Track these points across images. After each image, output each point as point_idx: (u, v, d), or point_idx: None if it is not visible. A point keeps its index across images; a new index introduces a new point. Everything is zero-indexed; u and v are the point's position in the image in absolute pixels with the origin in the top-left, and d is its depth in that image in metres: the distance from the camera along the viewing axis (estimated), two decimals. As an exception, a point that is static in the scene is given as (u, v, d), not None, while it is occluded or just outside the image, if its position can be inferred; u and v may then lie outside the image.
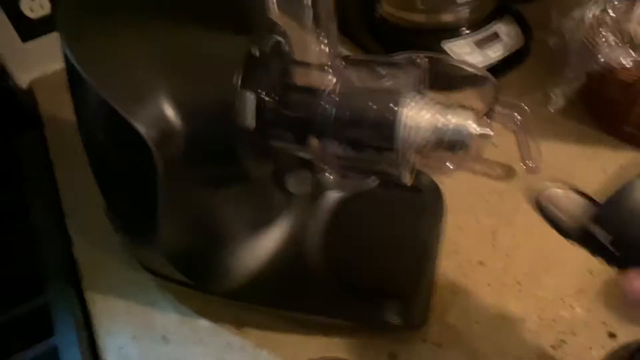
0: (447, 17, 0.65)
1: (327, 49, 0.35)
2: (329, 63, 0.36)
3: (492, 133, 0.37)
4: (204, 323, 0.50)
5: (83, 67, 0.34)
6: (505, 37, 0.65)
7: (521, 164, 0.55)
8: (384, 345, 0.46)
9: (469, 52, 0.64)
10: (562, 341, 0.44)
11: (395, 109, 0.34)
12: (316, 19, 0.33)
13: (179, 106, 0.35)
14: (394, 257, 0.48)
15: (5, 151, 0.69)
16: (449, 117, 0.34)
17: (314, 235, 0.49)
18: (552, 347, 0.44)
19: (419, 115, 0.34)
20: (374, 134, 0.35)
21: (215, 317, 0.50)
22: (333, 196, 0.51)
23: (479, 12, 0.65)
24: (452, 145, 0.35)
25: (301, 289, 0.47)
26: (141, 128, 0.34)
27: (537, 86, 0.62)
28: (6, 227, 0.60)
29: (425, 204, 0.51)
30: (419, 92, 0.35)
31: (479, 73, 0.58)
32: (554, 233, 0.51)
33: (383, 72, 0.36)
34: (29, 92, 0.77)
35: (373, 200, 0.51)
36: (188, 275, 0.46)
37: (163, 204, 0.38)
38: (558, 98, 0.59)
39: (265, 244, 0.49)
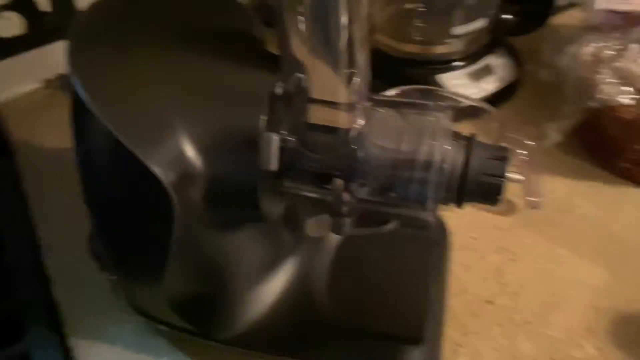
0: (441, 49, 0.65)
1: (355, 88, 0.33)
2: (356, 102, 0.34)
3: (523, 178, 0.36)
4: (203, 370, 0.47)
5: (94, 103, 0.31)
6: (498, 70, 0.66)
7: (524, 199, 0.55)
8: (397, 391, 0.44)
9: (463, 85, 0.64)
10: (578, 383, 0.44)
11: (432, 152, 0.33)
12: (349, 56, 0.32)
13: (199, 146, 0.33)
14: (403, 297, 0.46)
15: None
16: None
17: (320, 277, 0.47)
18: (568, 389, 0.44)
19: (457, 159, 0.33)
20: (406, 177, 0.34)
21: (215, 364, 0.47)
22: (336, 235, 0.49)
23: (473, 44, 0.65)
24: (487, 190, 0.34)
25: (308, 334, 0.45)
26: (158, 170, 0.31)
27: (530, 120, 0.62)
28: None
29: (432, 240, 0.50)
30: (453, 135, 0.34)
31: (477, 104, 0.58)
32: (558, 270, 0.51)
33: (412, 114, 0.35)
34: (-2, 115, 0.73)
35: (377, 237, 0.49)
36: (190, 322, 0.43)
37: (175, 248, 0.35)
38: (554, 133, 0.59)
39: (271, 288, 0.46)
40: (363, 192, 0.35)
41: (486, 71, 0.66)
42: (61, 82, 0.75)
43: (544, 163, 0.57)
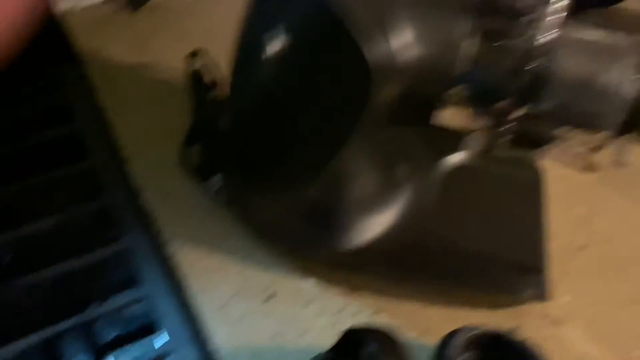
0: None
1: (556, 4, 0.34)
2: (556, 17, 0.35)
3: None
4: (311, 284, 0.46)
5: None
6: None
7: (613, 157, 0.57)
8: (505, 319, 0.45)
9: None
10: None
11: (618, 77, 0.34)
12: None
13: (408, 41, 0.32)
14: (513, 231, 0.48)
15: (45, 82, 0.61)
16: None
17: (430, 207, 0.48)
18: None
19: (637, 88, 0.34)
20: (586, 99, 0.35)
21: (322, 279, 0.47)
22: (446, 166, 0.50)
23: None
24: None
25: (421, 257, 0.46)
26: (370, 56, 0.31)
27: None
28: (62, 168, 0.53)
29: (531, 182, 0.52)
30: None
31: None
32: (642, 225, 0.54)
33: (603, 38, 0.36)
34: (61, 22, 0.69)
35: (483, 173, 0.50)
36: (308, 231, 0.43)
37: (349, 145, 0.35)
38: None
39: (385, 212, 0.47)
40: (535, 110, 0.36)
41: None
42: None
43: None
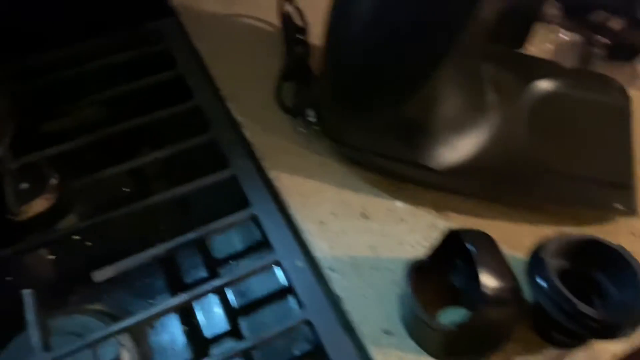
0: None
1: None
2: None
3: None
4: (401, 205, 0.50)
5: None
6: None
7: None
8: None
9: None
10: None
11: None
12: None
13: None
14: (602, 152, 0.49)
15: (148, 34, 0.66)
16: None
17: (519, 130, 0.50)
18: None
19: None
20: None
21: (412, 201, 0.50)
22: (534, 93, 0.52)
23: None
24: None
25: (511, 177, 0.48)
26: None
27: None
28: (172, 106, 0.58)
29: (620, 107, 0.52)
30: None
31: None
32: None
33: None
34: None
35: (571, 99, 0.52)
36: (408, 148, 0.46)
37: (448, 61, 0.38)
38: None
39: (475, 133, 0.49)
40: (630, 21, 0.37)
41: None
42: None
43: None
